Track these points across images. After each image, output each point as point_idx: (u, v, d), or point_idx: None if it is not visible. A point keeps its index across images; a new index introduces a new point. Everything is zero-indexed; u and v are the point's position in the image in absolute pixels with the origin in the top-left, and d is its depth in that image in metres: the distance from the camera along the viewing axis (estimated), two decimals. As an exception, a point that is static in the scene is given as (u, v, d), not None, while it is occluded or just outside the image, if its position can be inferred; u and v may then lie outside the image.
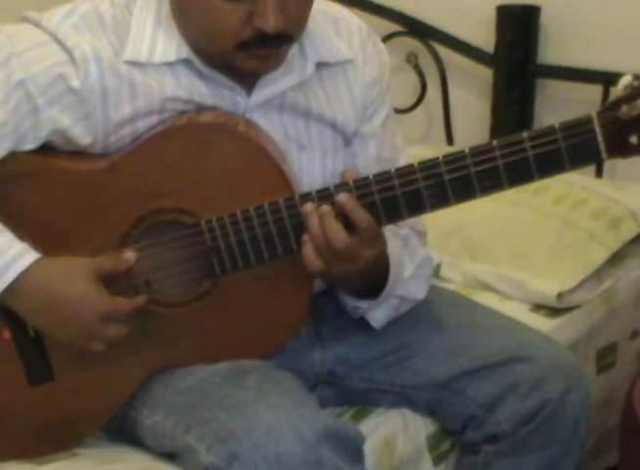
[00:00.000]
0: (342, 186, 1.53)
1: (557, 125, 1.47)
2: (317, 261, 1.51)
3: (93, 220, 1.56)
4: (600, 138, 1.46)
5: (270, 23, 1.47)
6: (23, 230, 1.52)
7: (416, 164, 1.51)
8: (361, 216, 1.50)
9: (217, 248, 1.55)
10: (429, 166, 1.51)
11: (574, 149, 1.47)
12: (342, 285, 1.67)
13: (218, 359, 1.61)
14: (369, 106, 1.72)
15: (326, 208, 1.51)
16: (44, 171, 1.55)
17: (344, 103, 1.69)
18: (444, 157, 1.51)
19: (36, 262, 1.48)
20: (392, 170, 1.52)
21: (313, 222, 1.50)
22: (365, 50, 1.71)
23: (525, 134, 1.49)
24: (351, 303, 1.68)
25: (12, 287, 1.47)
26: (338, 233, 1.50)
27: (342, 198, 1.50)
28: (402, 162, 1.73)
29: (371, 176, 1.52)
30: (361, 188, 1.52)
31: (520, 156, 1.48)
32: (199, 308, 1.59)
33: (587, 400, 1.74)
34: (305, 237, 1.52)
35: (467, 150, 1.50)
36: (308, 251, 1.52)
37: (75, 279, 1.50)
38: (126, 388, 1.61)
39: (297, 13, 1.52)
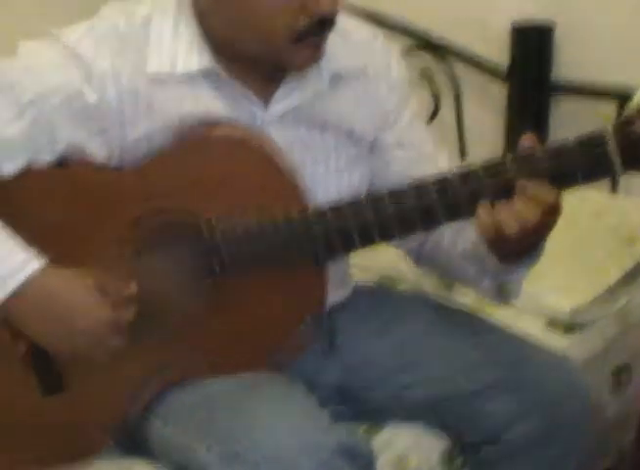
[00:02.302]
0: (355, 201, 1.53)
1: (571, 139, 1.47)
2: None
3: (94, 219, 1.56)
4: (615, 152, 1.45)
5: (327, 5, 1.52)
6: (25, 229, 1.51)
7: (429, 178, 1.51)
8: (547, 190, 1.48)
9: (217, 247, 1.55)
10: (441, 181, 1.50)
11: (589, 163, 1.47)
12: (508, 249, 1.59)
13: (218, 357, 1.60)
14: (391, 112, 1.73)
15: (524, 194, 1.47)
16: (44, 170, 1.55)
17: (361, 110, 1.70)
18: (458, 170, 1.50)
19: (43, 270, 1.48)
20: (406, 186, 1.52)
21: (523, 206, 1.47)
22: (378, 59, 1.72)
23: (539, 148, 1.48)
24: (515, 268, 1.63)
25: (16, 294, 1.46)
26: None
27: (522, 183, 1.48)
28: (442, 160, 1.76)
29: (385, 190, 1.52)
30: (375, 201, 1.52)
31: (534, 170, 1.48)
32: (198, 307, 1.58)
33: (587, 403, 1.74)
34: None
35: (479, 164, 1.50)
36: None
37: (80, 290, 1.50)
38: (129, 390, 1.60)
39: None
